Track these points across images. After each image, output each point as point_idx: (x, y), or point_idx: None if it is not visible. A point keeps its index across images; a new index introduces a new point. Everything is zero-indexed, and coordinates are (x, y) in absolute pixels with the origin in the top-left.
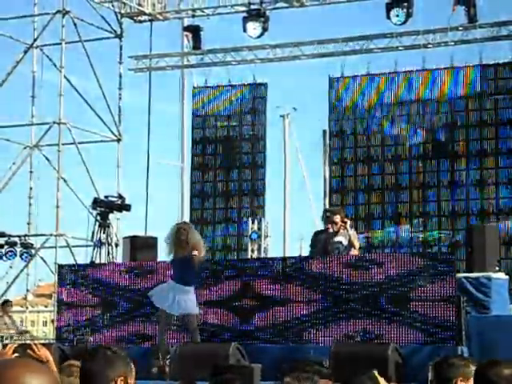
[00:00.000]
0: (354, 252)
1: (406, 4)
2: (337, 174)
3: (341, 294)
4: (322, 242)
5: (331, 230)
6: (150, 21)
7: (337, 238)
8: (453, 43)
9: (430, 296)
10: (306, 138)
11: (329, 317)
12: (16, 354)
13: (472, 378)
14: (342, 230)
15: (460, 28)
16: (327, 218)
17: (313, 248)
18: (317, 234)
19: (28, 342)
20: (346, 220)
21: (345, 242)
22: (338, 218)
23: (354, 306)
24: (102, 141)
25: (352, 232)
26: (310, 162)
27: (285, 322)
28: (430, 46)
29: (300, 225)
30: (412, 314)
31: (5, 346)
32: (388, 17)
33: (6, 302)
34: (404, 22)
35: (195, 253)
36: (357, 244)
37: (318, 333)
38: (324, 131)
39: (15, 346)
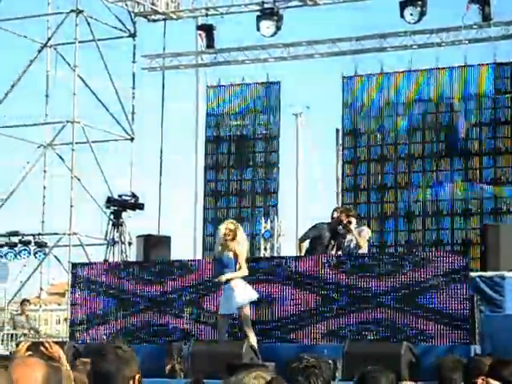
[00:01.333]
0: (362, 250)
1: (419, 2)
2: (350, 173)
3: (356, 292)
4: (336, 241)
5: (341, 227)
6: (164, 20)
7: (348, 237)
8: (467, 42)
9: (443, 295)
10: (319, 136)
11: (344, 315)
12: (29, 352)
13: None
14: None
15: (474, 26)
16: (337, 217)
17: (306, 233)
18: (317, 225)
19: (41, 340)
20: (350, 220)
21: (355, 240)
22: (343, 217)
23: (368, 304)
24: (115, 139)
25: (356, 232)
26: (323, 160)
27: (298, 320)
28: (443, 44)
29: (313, 224)
30: (426, 312)
31: (18, 344)
32: (402, 15)
33: (24, 301)
34: (418, 21)
35: (234, 252)
36: (362, 244)
37: (332, 331)
38: (337, 130)
39: (28, 344)
